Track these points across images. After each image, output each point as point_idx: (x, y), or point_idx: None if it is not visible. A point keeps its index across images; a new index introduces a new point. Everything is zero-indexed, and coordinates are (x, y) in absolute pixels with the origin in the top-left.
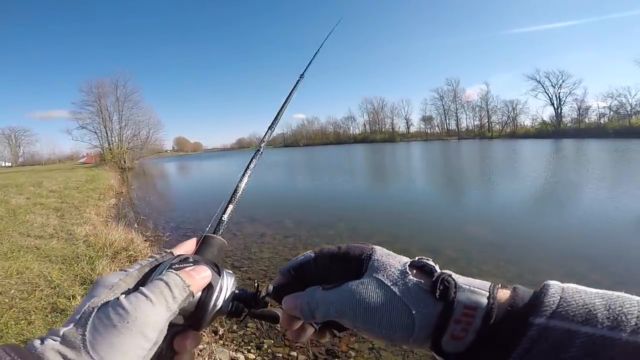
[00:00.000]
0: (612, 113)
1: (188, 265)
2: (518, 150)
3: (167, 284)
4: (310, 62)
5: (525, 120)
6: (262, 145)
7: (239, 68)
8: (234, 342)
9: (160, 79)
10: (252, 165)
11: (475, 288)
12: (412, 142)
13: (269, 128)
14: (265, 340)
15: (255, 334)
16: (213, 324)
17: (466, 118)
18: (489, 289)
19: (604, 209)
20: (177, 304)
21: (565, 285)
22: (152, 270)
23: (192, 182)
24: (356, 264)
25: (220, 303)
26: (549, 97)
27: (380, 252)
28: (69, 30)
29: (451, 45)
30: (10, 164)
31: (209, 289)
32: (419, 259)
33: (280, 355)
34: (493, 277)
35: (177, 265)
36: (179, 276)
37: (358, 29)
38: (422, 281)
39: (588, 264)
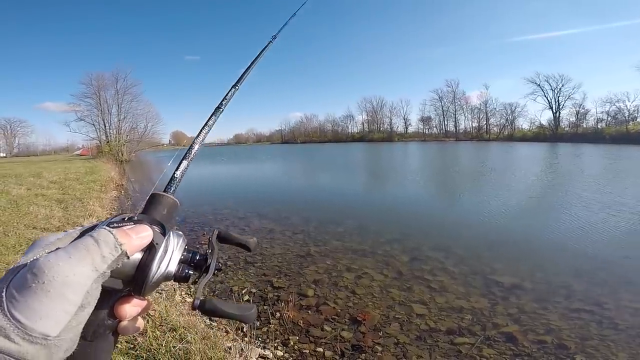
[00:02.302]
0: (609, 118)
1: (128, 224)
2: (515, 154)
3: (96, 241)
4: (285, 24)
5: (524, 124)
6: (225, 102)
7: (235, 65)
8: (259, 338)
9: (158, 72)
10: (210, 122)
11: None
12: (409, 142)
13: (233, 87)
14: (290, 337)
15: (279, 331)
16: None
17: (464, 120)
18: None
19: (607, 214)
20: (107, 264)
21: None
22: (91, 229)
23: (190, 174)
24: None
25: (164, 266)
26: (548, 100)
27: None
28: (67, 26)
29: (453, 52)
30: (4, 155)
31: (150, 250)
32: None
33: (307, 351)
34: (507, 276)
35: (115, 224)
36: (111, 233)
37: (360, 30)
38: None
39: (594, 263)
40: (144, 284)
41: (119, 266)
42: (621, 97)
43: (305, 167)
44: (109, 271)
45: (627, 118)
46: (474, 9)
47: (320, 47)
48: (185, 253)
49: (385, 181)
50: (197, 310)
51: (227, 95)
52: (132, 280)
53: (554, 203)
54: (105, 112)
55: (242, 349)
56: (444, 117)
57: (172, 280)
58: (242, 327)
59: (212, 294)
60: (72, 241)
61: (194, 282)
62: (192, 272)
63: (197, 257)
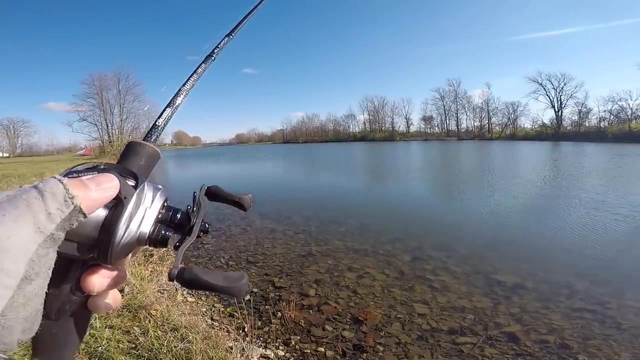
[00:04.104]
0: (612, 117)
1: (90, 173)
2: (517, 153)
3: (40, 193)
4: None
5: (526, 123)
6: (216, 51)
7: (236, 65)
8: (261, 338)
9: (161, 72)
10: (199, 70)
11: None
12: (411, 142)
13: (227, 35)
14: (292, 337)
15: (280, 330)
16: (198, 292)
17: (466, 119)
18: None
19: (610, 214)
20: (55, 223)
21: None
22: None
23: (192, 173)
24: None
25: (135, 226)
26: (550, 99)
27: None
28: (70, 27)
29: (455, 50)
30: (7, 155)
31: (117, 206)
32: None
33: (308, 351)
34: (508, 275)
35: (74, 174)
36: (60, 183)
37: (361, 31)
38: None
39: (597, 263)
40: (109, 249)
41: (73, 226)
42: (624, 95)
43: (307, 167)
44: (62, 233)
45: (629, 117)
46: (476, 8)
47: (322, 48)
48: (163, 210)
49: (387, 180)
50: (175, 281)
51: (220, 43)
52: (95, 244)
53: (557, 202)
54: (107, 112)
55: (243, 349)
56: (445, 116)
57: (146, 245)
58: (244, 327)
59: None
60: None
61: (175, 247)
62: (171, 234)
63: (179, 216)
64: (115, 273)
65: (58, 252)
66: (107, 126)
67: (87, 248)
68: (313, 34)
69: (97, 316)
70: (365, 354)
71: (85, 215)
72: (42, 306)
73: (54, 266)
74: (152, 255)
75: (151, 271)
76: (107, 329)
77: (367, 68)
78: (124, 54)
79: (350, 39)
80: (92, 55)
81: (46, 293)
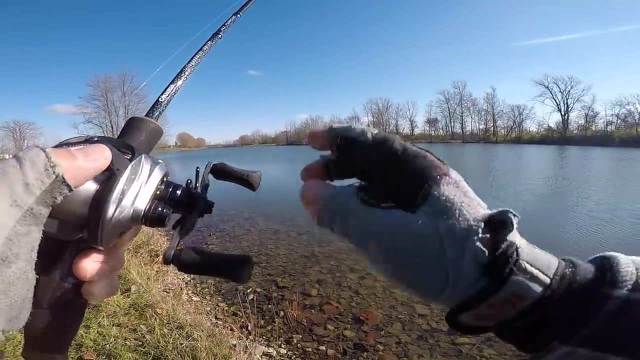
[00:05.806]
0: (619, 121)
1: (83, 145)
2: (521, 156)
3: (19, 162)
4: None
5: (531, 126)
6: (223, 29)
7: (242, 67)
8: (263, 336)
9: (165, 74)
10: (205, 48)
11: (536, 272)
12: (415, 144)
13: (235, 14)
14: (294, 335)
15: (283, 329)
16: (199, 278)
17: (471, 121)
18: (553, 274)
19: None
20: (35, 196)
21: (634, 257)
22: None
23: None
24: (414, 185)
25: (128, 202)
26: (557, 103)
27: (452, 185)
28: (74, 30)
29: (461, 53)
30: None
31: (109, 180)
32: (500, 211)
33: (310, 349)
34: None
35: (65, 146)
36: (43, 151)
37: (366, 33)
38: (485, 250)
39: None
40: (99, 227)
41: (57, 200)
42: (631, 99)
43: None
44: (44, 208)
45: (637, 121)
46: (482, 11)
47: (326, 50)
48: (162, 186)
49: None
50: (172, 264)
51: (227, 21)
52: (84, 223)
53: (559, 206)
54: (112, 114)
55: (246, 346)
56: (450, 119)
57: (141, 223)
58: (247, 325)
59: (216, 291)
60: None
61: (174, 226)
62: (169, 212)
63: (179, 193)
64: (109, 257)
65: (44, 232)
66: (112, 128)
67: (75, 227)
68: (317, 36)
69: (104, 314)
70: (365, 353)
71: (70, 188)
72: (30, 293)
73: (40, 248)
74: (157, 255)
75: (157, 271)
76: (114, 327)
77: (371, 70)
78: (128, 56)
79: (355, 41)
80: (97, 58)
81: (35, 279)
